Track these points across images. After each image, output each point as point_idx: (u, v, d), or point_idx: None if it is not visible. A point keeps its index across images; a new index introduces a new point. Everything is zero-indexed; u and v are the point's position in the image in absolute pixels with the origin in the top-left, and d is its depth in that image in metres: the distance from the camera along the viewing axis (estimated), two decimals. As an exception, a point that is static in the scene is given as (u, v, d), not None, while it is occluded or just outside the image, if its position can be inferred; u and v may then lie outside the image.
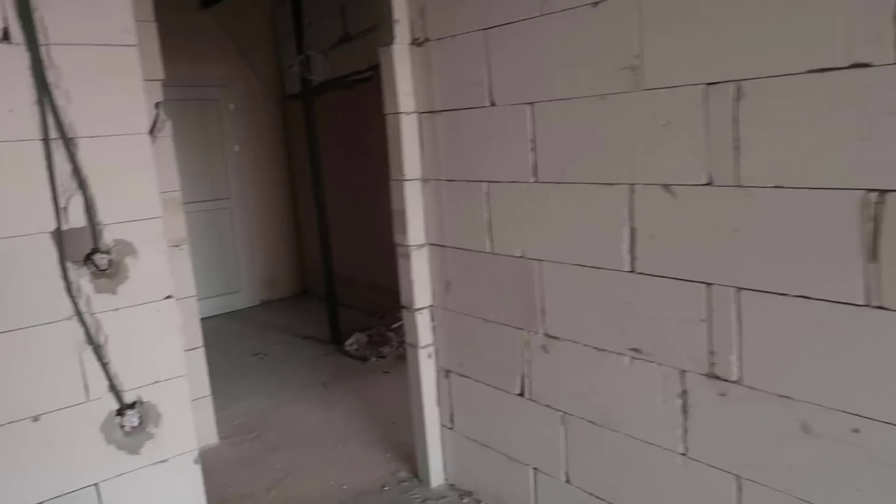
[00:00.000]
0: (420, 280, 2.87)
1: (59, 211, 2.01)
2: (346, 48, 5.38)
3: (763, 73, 1.66)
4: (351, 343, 5.04)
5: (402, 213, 2.81)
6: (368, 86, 5.27)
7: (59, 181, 2.01)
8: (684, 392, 2.00)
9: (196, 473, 2.33)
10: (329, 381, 4.45)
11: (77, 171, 2.03)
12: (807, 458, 1.74)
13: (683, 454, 2.03)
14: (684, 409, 2.01)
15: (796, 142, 1.63)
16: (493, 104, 2.43)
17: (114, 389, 2.13)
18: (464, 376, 2.83)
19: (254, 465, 3.37)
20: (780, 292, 1.72)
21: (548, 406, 2.47)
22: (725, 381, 1.88)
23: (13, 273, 1.95)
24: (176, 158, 3.39)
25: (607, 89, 2.02)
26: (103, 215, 2.08)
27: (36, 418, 2.01)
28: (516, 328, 2.52)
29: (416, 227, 2.83)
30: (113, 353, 2.12)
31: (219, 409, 3.84)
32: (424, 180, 2.80)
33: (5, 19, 1.90)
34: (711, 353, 1.90)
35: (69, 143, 2.02)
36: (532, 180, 2.34)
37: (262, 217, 6.54)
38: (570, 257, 2.26)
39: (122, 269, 2.13)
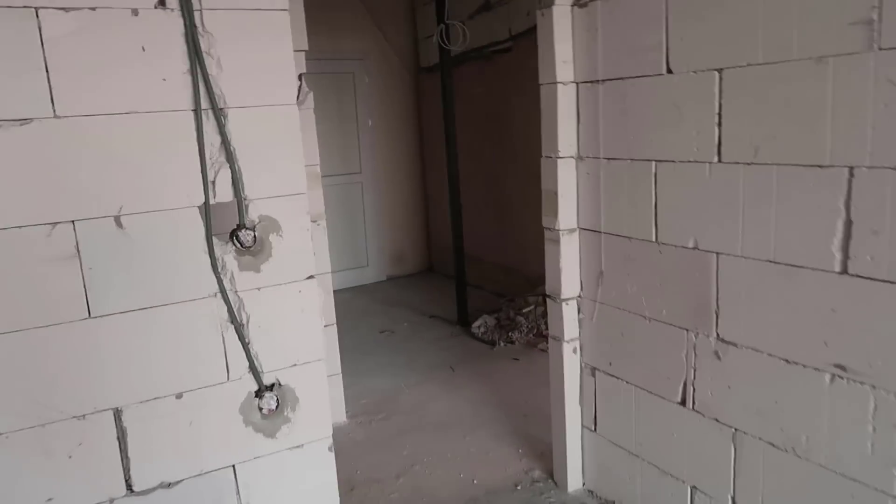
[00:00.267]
0: (569, 268, 2.61)
1: (206, 184, 1.93)
2: (486, 17, 5.15)
3: None
4: (478, 325, 4.88)
5: (554, 194, 2.56)
6: (507, 57, 5.03)
7: (208, 154, 1.93)
8: (908, 424, 1.64)
9: (330, 461, 2.24)
10: (456, 364, 4.32)
11: (226, 144, 1.95)
12: None
13: (900, 498, 1.68)
14: (906, 445, 1.65)
15: None
16: (669, 71, 2.11)
17: (253, 371, 2.06)
18: (612, 376, 2.56)
19: (381, 448, 3.29)
20: None
21: (715, 420, 2.16)
22: (973, 417, 1.51)
23: (161, 247, 1.90)
24: (316, 133, 3.31)
25: (828, 50, 1.66)
26: (249, 190, 1.99)
27: (179, 395, 1.97)
28: (682, 328, 2.22)
29: (567, 209, 2.57)
30: (253, 334, 2.05)
31: (347, 387, 3.80)
32: (580, 158, 2.53)
33: (160, -18, 1.82)
34: (954, 381, 1.53)
35: (219, 114, 1.93)
36: (714, 160, 2.01)
37: (392, 192, 6.50)
38: (759, 252, 1.93)
39: (266, 247, 2.04)
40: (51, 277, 1.78)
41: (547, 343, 4.60)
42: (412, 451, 3.24)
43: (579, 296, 2.65)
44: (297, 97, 3.26)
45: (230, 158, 1.96)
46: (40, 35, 1.71)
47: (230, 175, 1.96)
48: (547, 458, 3.00)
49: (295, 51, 3.11)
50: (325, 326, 3.48)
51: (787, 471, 1.96)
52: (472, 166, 5.55)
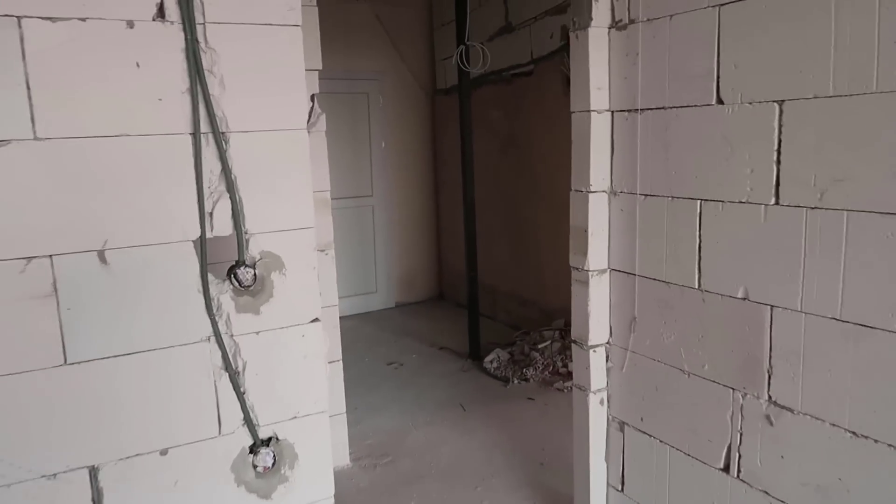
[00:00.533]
0: (598, 312, 2.39)
1: (203, 216, 1.74)
2: (507, 40, 4.98)
3: None
4: (490, 360, 4.65)
5: (584, 231, 2.35)
6: (528, 81, 4.86)
7: (206, 182, 1.74)
8: None
9: (332, 525, 2.01)
10: (467, 402, 4.08)
11: (226, 171, 1.75)
12: None
13: None
14: None
15: None
16: (719, 102, 1.91)
17: (248, 424, 1.84)
18: (644, 433, 2.32)
19: (386, 497, 3.05)
20: None
21: (765, 492, 1.92)
22: None
23: (150, 286, 1.69)
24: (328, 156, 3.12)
25: (917, 85, 1.45)
26: (251, 223, 1.79)
27: (164, 452, 1.75)
28: (727, 387, 1.99)
29: (598, 248, 2.35)
30: (250, 383, 1.84)
31: (352, 424, 3.57)
32: (613, 193, 2.32)
33: (159, -8, 1.64)
34: None
35: (220, 139, 1.74)
36: (770, 202, 1.80)
37: (404, 217, 6.30)
38: (822, 307, 1.70)
39: (266, 287, 1.83)
40: (23, 318, 1.57)
41: (564, 382, 4.38)
42: (419, 502, 3.00)
43: (608, 342, 2.43)
44: (309, 119, 3.09)
45: (231, 188, 1.76)
46: (22, 47, 1.53)
47: (230, 206, 1.76)
48: (567, 515, 2.76)
49: (308, 70, 2.94)
50: (331, 363, 3.26)
51: (849, 557, 1.72)
52: (487, 192, 5.35)
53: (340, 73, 5.64)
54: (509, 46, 4.95)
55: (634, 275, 2.27)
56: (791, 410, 1.82)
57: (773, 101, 1.75)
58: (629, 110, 2.22)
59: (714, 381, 2.03)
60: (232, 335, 1.80)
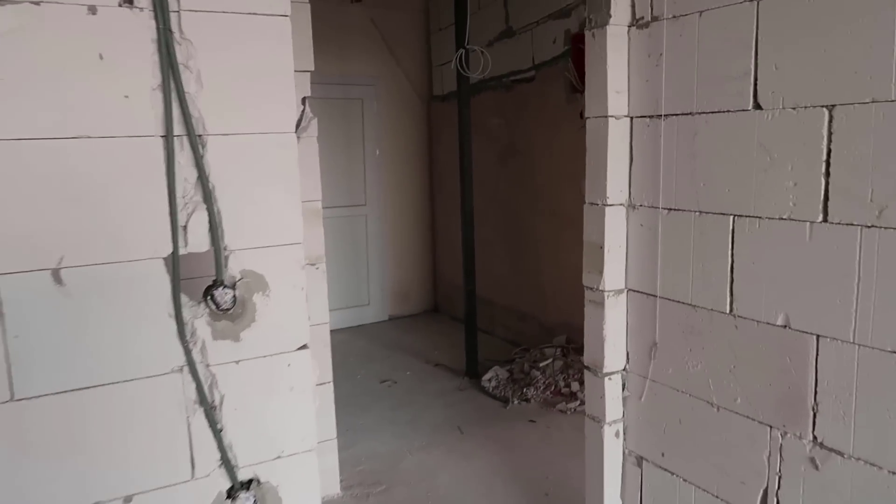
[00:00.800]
0: (614, 336, 2.19)
1: (176, 231, 1.52)
2: (507, 45, 4.79)
3: None
4: (489, 378, 4.43)
5: (599, 248, 2.14)
6: (529, 87, 4.67)
7: (180, 192, 1.53)
8: None
9: (319, 577, 1.79)
10: (465, 424, 3.85)
11: (203, 180, 1.54)
12: None
13: None
14: None
15: None
16: (757, 107, 1.71)
17: (226, 465, 1.62)
18: (665, 470, 2.11)
19: (381, 530, 2.82)
20: None
21: (806, 542, 1.71)
22: None
23: (112, 310, 1.48)
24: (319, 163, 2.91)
25: None
26: (231, 238, 1.58)
27: (128, 499, 1.53)
28: (763, 424, 1.78)
29: (615, 267, 2.15)
30: (228, 418, 1.62)
31: (343, 448, 3.34)
32: (632, 206, 2.12)
33: (125, -29, 1.44)
34: None
35: (196, 142, 1.53)
36: (817, 219, 1.60)
37: (398, 227, 6.09)
38: (879, 339, 1.50)
39: (248, 310, 1.61)
40: (-40, 349, 1.35)
41: (567, 403, 4.17)
42: (416, 535, 2.78)
43: (625, 369, 2.22)
44: (299, 123, 2.88)
45: (208, 198, 1.55)
46: (-37, 33, 1.32)
47: (207, 219, 1.55)
48: (575, 553, 2.54)
49: (298, 71, 2.73)
50: (320, 385, 3.04)
51: None
52: (486, 202, 5.15)
53: (334, 78, 5.45)
54: (510, 51, 4.76)
55: (655, 296, 2.07)
56: (841, 454, 1.61)
57: (822, 106, 1.56)
58: (651, 116, 2.02)
59: (748, 417, 1.82)
60: (208, 365, 1.59)
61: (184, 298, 1.55)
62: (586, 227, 2.20)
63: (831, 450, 1.63)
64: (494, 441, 3.63)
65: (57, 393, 1.44)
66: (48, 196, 1.40)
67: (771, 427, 1.77)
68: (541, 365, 4.34)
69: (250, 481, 1.67)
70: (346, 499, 3.09)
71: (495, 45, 4.82)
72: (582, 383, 4.18)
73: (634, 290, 2.15)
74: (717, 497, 1.95)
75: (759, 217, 1.73)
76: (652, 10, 1.96)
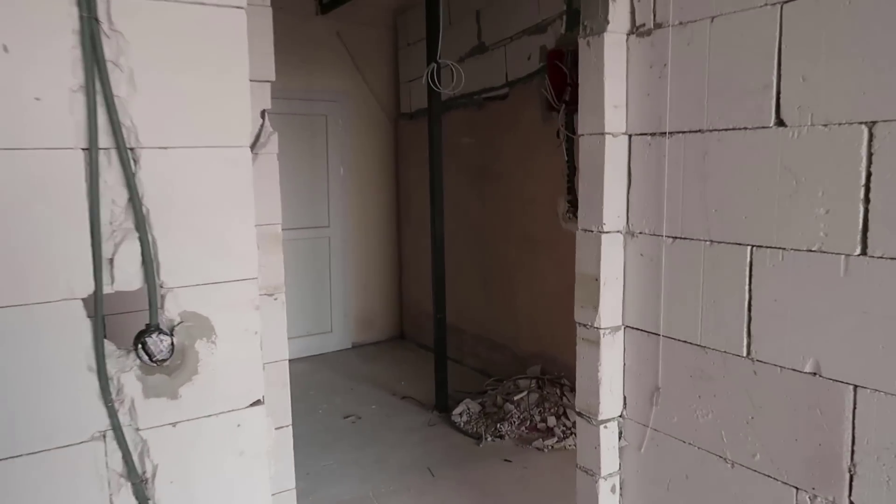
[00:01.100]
0: (610, 379, 1.96)
1: (100, 264, 1.24)
2: (479, 61, 4.60)
3: None
4: (460, 413, 4.16)
5: (594, 280, 1.92)
6: (502, 105, 4.47)
7: (106, 217, 1.25)
8: None
9: None
10: (436, 465, 3.57)
11: (135, 202, 1.27)
12: None
13: None
14: None
15: None
16: (780, 123, 1.51)
17: (160, 551, 1.33)
18: (669, 529, 1.88)
19: None
20: None
21: None
22: None
23: (15, 363, 1.18)
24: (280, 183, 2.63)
25: None
26: (169, 273, 1.30)
27: None
28: (788, 485, 1.57)
29: (611, 301, 1.93)
30: (162, 494, 1.32)
31: (302, 495, 3.01)
32: (630, 234, 1.90)
33: (35, -56, 1.17)
34: None
35: (127, 157, 1.25)
36: (854, 252, 1.40)
37: (362, 249, 5.81)
38: (930, 392, 1.30)
39: (189, 360, 1.33)
40: None
41: (544, 440, 3.93)
42: None
43: (621, 416, 1.99)
44: (258, 139, 2.61)
45: (141, 225, 1.27)
46: None
47: (139, 250, 1.27)
48: None
49: (257, 81, 2.46)
50: (279, 428, 2.73)
51: None
52: (456, 225, 4.92)
53: (297, 92, 5.18)
54: (482, 68, 4.57)
55: (658, 335, 1.85)
56: (882, 522, 1.40)
57: (861, 123, 1.36)
58: (653, 134, 1.81)
59: (770, 476, 1.60)
60: (138, 429, 1.30)
61: (108, 348, 1.26)
62: (579, 257, 1.97)
63: (872, 518, 1.42)
64: (468, 485, 3.36)
65: (-62, 471, 1.14)
66: (-71, 222, 1.11)
67: (797, 489, 1.55)
68: (515, 398, 4.09)
69: (190, 567, 1.37)
70: (306, 556, 2.78)
71: (467, 62, 4.62)
72: (558, 417, 3.95)
73: (633, 328, 1.93)
74: (731, 564, 1.72)
75: (783, 248, 1.53)
76: (655, 16, 1.76)
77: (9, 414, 1.18)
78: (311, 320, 5.59)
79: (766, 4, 1.51)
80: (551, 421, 3.89)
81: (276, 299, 2.65)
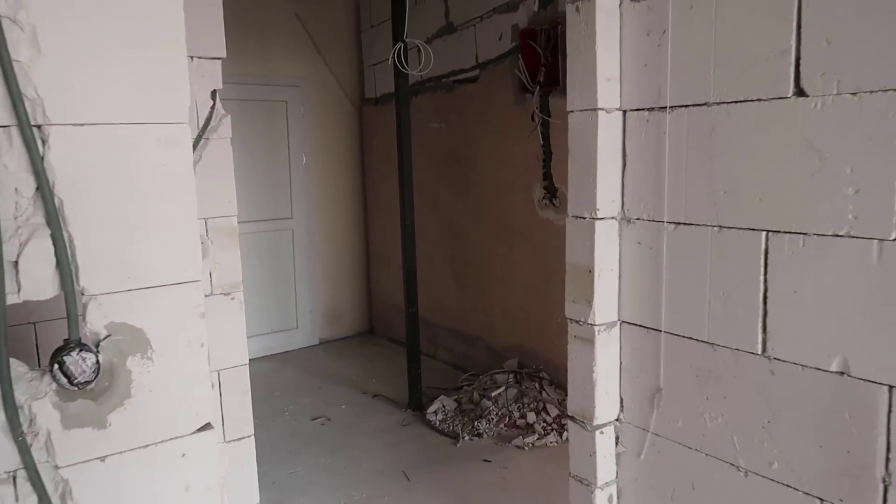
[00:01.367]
0: (606, 380, 1.78)
1: (0, 268, 1.00)
2: (448, 42, 4.38)
3: None
4: (434, 411, 3.97)
5: (587, 272, 1.73)
6: (473, 88, 4.27)
7: (7, 210, 1.01)
8: None
9: None
10: (412, 468, 3.38)
11: (45, 192, 1.03)
12: None
13: None
14: None
15: None
16: (799, 93, 1.34)
17: None
18: (672, 543, 1.72)
19: None
20: None
21: None
22: None
23: None
24: (235, 171, 2.39)
25: None
26: (91, 278, 1.07)
27: None
28: (811, 496, 1.41)
29: (606, 294, 1.75)
30: (91, 544, 1.10)
31: (268, 508, 2.81)
32: (626, 220, 1.72)
33: None
34: None
35: (33, 137, 1.02)
36: (890, 236, 1.23)
37: (328, 241, 5.56)
38: (980, 394, 1.14)
39: (119, 381, 1.11)
40: None
41: (524, 438, 3.76)
42: None
43: (618, 419, 1.81)
44: (208, 122, 2.36)
45: (53, 219, 1.04)
46: None
47: (52, 250, 1.04)
48: None
49: (206, 57, 2.24)
50: (239, 440, 2.50)
51: None
52: (426, 214, 4.71)
53: (255, 78, 4.89)
54: (451, 49, 4.35)
55: (659, 331, 1.67)
56: (922, 540, 1.25)
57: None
58: (651, 108, 1.63)
59: (789, 486, 1.44)
60: (57, 466, 1.07)
61: (16, 370, 1.03)
62: (570, 247, 1.78)
63: (910, 534, 1.27)
64: (446, 489, 3.17)
65: None
66: None
67: (821, 500, 1.39)
68: (492, 394, 3.91)
69: None
70: (274, 575, 2.57)
71: (434, 43, 4.39)
72: (538, 413, 3.78)
73: (631, 324, 1.75)
74: (744, 582, 1.56)
75: (805, 234, 1.36)
76: (652, -25, 1.57)
77: None
78: (275, 316, 5.33)
79: (782, -44, 1.33)
80: (531, 417, 3.72)
81: (233, 299, 2.42)
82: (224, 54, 2.34)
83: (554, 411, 3.72)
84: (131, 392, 1.11)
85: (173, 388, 1.15)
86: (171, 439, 1.16)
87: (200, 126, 2.32)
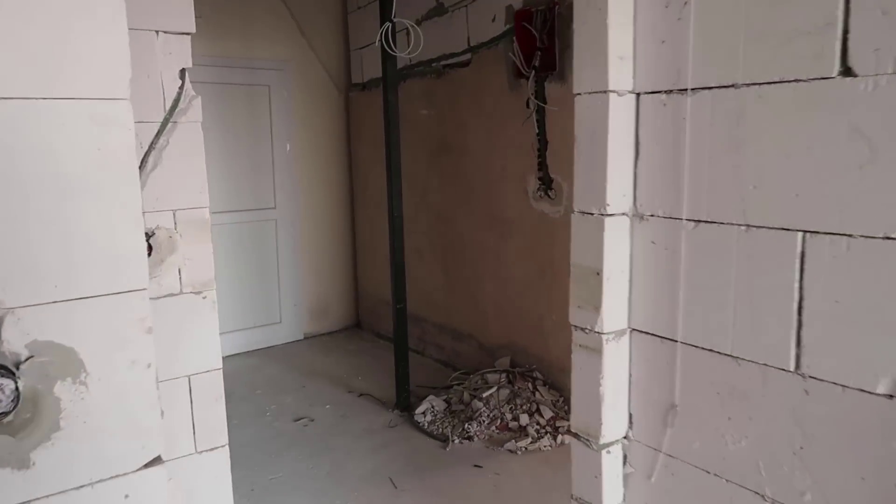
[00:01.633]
0: (614, 394, 1.61)
1: None
2: (438, 24, 4.17)
3: None
4: (423, 411, 3.80)
5: (595, 274, 1.56)
6: (465, 73, 4.07)
7: None
8: None
9: None
10: (398, 474, 3.21)
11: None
12: None
13: None
14: None
15: None
16: (846, 72, 1.16)
17: None
18: (685, 573, 1.55)
19: None
20: None
21: None
22: None
23: None
24: (207, 158, 2.19)
25: None
26: (6, 287, 0.88)
27: None
28: (848, 531, 1.24)
29: (616, 299, 1.57)
30: None
31: (246, 517, 2.64)
32: (639, 217, 1.54)
33: None
34: None
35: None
36: (954, 241, 1.06)
37: (313, 233, 5.36)
38: None
39: (45, 412, 0.92)
40: None
41: (517, 442, 3.57)
42: None
43: (626, 437, 1.65)
44: (176, 104, 2.15)
45: (-44, 215, 0.84)
46: None
47: (-46, 253, 0.84)
48: None
49: (173, 32, 2.05)
50: (212, 450, 2.32)
51: None
52: (415, 205, 4.53)
53: (236, 61, 4.67)
54: (441, 32, 4.14)
55: (675, 342, 1.50)
56: (983, 588, 1.09)
57: (972, 68, 1.02)
58: (669, 91, 1.45)
59: (825, 521, 1.27)
60: (-34, 517, 0.88)
61: (-89, 401, 0.83)
62: (575, 246, 1.60)
63: (970, 582, 1.10)
64: (435, 495, 3.01)
65: None
66: None
67: (864, 538, 1.23)
68: (484, 395, 3.74)
69: None
70: None
71: (424, 25, 4.18)
72: (531, 415, 3.62)
73: (642, 332, 1.58)
74: None
75: (849, 235, 1.19)
76: (674, -61, 1.39)
77: None
78: (258, 310, 5.14)
79: (831, -87, 1.15)
80: (524, 419, 3.56)
81: (204, 298, 2.23)
82: (193, 29, 2.13)
83: (548, 413, 3.56)
84: (60, 424, 0.92)
85: (113, 417, 0.97)
86: (110, 478, 0.97)
87: (168, 108, 2.12)
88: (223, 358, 2.27)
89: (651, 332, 1.56)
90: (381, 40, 3.33)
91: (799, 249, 1.26)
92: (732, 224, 1.36)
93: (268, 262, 5.14)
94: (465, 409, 3.77)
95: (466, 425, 3.59)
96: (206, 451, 2.25)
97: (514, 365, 4.00)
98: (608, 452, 1.63)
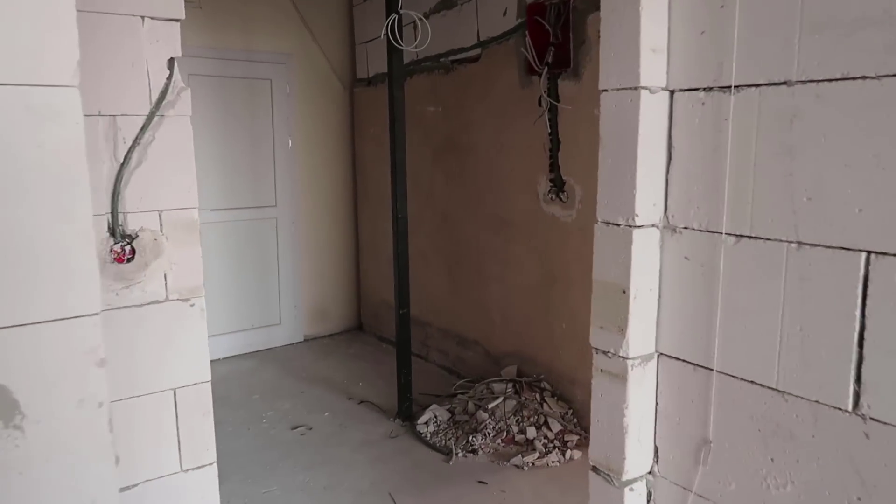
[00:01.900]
0: (639, 425, 1.44)
1: None
2: (446, 18, 4.00)
3: None
4: (426, 421, 3.64)
5: (620, 293, 1.39)
6: (473, 69, 3.90)
7: None
8: None
9: None
10: (399, 490, 3.05)
11: None
12: None
13: None
14: None
15: None
16: (927, 71, 1.00)
17: None
18: None
19: None
20: None
21: None
22: None
23: None
24: (204, 153, 2.03)
25: None
26: None
27: None
28: None
29: (643, 321, 1.41)
30: None
31: (238, 535, 2.48)
32: (671, 229, 1.38)
33: None
34: None
35: None
36: None
37: (315, 232, 5.20)
38: None
39: (-36, 466, 0.75)
40: None
41: (523, 456, 3.40)
42: None
43: (651, 472, 1.48)
44: (164, 96, 1.99)
45: None
46: None
47: None
48: None
49: (160, 18, 1.90)
50: (200, 468, 2.16)
51: None
52: (420, 205, 4.36)
53: (237, 53, 4.50)
54: (449, 26, 3.97)
55: (710, 370, 1.33)
56: None
57: None
58: (709, 88, 1.28)
59: (886, 584, 1.11)
60: None
61: None
62: (598, 260, 1.44)
63: None
64: (437, 514, 2.85)
65: None
66: None
67: None
68: (489, 406, 3.58)
69: None
70: None
71: (432, 19, 4.02)
72: (539, 428, 3.46)
73: (671, 357, 1.41)
74: None
75: (925, 258, 1.02)
76: (718, -84, 1.22)
77: None
78: (257, 311, 4.99)
79: None
80: (531, 432, 3.40)
81: (192, 305, 2.08)
82: (182, 15, 1.97)
83: (556, 426, 3.40)
84: (-13, 479, 0.77)
85: (56, 468, 0.81)
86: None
87: (154, 101, 1.96)
88: (220, 360, 2.13)
89: (682, 357, 1.39)
90: (386, 33, 3.17)
91: (862, 272, 1.10)
92: (782, 240, 1.20)
93: (267, 262, 4.99)
94: (469, 419, 3.60)
95: (471, 437, 3.42)
96: (193, 469, 2.10)
97: (522, 374, 3.83)
98: (631, 490, 1.46)
